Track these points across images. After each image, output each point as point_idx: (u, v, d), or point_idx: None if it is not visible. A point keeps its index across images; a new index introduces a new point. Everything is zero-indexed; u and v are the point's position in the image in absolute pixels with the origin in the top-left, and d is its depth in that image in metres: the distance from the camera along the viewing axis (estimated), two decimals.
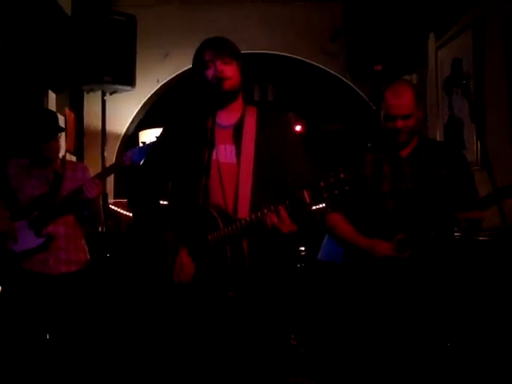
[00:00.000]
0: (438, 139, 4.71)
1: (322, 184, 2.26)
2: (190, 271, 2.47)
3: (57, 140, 3.57)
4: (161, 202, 2.74)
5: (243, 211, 2.49)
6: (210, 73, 2.54)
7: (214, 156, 2.50)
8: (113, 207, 5.07)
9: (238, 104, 2.63)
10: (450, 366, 2.91)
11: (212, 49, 2.55)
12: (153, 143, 2.91)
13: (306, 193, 2.29)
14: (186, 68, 5.61)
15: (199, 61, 2.58)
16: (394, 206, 2.89)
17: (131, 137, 5.88)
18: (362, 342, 2.98)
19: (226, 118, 2.59)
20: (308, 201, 2.29)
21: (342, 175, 2.24)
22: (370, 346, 2.93)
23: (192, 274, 2.47)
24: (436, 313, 2.86)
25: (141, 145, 3.34)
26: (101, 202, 3.65)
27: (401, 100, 2.86)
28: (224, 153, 2.56)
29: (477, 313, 3.27)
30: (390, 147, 2.97)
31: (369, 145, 3.13)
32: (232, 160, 2.56)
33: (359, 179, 2.90)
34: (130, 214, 4.70)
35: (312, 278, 4.46)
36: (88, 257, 3.67)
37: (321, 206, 2.88)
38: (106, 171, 3.70)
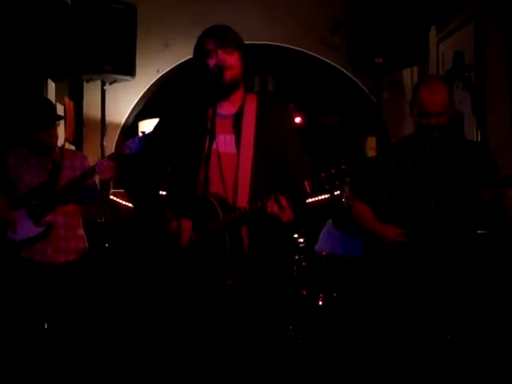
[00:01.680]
0: None
1: (323, 175, 2.27)
2: (187, 236, 2.45)
3: (55, 128, 3.56)
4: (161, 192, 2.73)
5: (242, 200, 2.49)
6: (211, 62, 2.52)
7: (213, 146, 2.50)
8: (112, 197, 5.05)
9: (239, 93, 2.62)
10: (451, 360, 2.92)
11: (214, 38, 2.53)
12: (152, 131, 2.90)
13: (306, 183, 2.30)
14: (186, 58, 5.58)
15: (201, 49, 2.56)
16: (413, 197, 2.91)
17: (131, 127, 5.86)
18: (360, 335, 2.99)
19: (227, 107, 2.58)
20: (309, 191, 2.30)
21: (344, 166, 2.25)
22: (369, 339, 2.94)
23: (188, 241, 2.45)
24: (442, 308, 2.87)
25: (141, 134, 3.32)
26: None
27: (436, 98, 2.87)
28: (224, 143, 2.56)
29: (481, 306, 3.28)
30: (418, 140, 2.99)
31: (371, 138, 3.17)
32: (232, 150, 2.56)
33: (383, 169, 2.95)
34: (129, 205, 4.69)
35: (310, 269, 4.46)
36: (87, 246, 3.66)
37: (321, 197, 2.90)
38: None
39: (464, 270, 2.91)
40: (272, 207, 2.36)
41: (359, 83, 5.77)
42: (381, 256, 2.94)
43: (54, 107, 3.64)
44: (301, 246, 4.76)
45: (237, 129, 2.57)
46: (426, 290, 2.86)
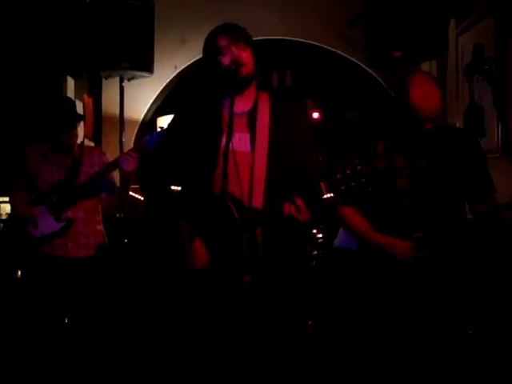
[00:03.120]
0: (458, 126, 4.66)
1: (338, 176, 2.27)
2: (204, 259, 2.48)
3: (76, 128, 3.58)
4: (174, 188, 2.74)
5: (257, 199, 2.49)
6: (226, 59, 2.51)
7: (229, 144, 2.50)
8: (131, 193, 5.08)
9: (252, 91, 2.61)
10: (468, 355, 2.89)
11: (227, 34, 2.53)
12: (166, 129, 2.89)
13: (322, 185, 2.30)
14: None
15: (213, 46, 2.55)
16: (410, 202, 2.79)
17: (149, 123, 5.89)
18: (378, 329, 2.97)
19: (240, 104, 2.56)
20: (325, 193, 2.30)
21: (359, 167, 2.25)
22: (387, 333, 2.91)
23: (206, 261, 2.48)
24: (452, 302, 2.81)
25: (159, 130, 3.32)
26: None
27: (431, 104, 2.76)
28: (239, 141, 2.54)
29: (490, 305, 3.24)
30: (405, 140, 2.87)
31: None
32: (246, 148, 2.55)
33: (372, 173, 2.86)
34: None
35: (329, 264, 4.45)
36: (106, 241, 3.68)
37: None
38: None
39: (470, 272, 2.85)
40: (289, 209, 2.37)
41: (377, 77, 5.74)
42: (385, 256, 2.81)
43: (75, 106, 3.65)
44: (320, 241, 4.76)
45: (251, 127, 2.56)
46: (439, 287, 2.80)
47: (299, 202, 2.36)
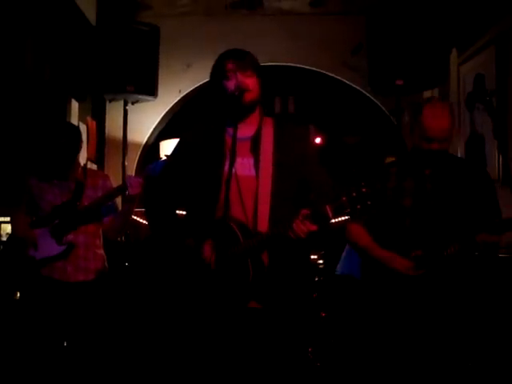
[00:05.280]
0: (459, 155, 4.69)
1: (344, 199, 2.27)
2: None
3: (76, 159, 3.58)
4: (178, 212, 2.74)
5: (263, 224, 2.48)
6: (230, 84, 2.53)
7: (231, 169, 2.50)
8: (133, 216, 5.08)
9: (255, 116, 2.62)
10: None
11: (235, 60, 2.55)
12: (170, 154, 2.91)
13: (328, 208, 2.30)
14: (208, 79, 5.61)
15: (219, 71, 2.57)
16: (412, 222, 2.86)
17: (152, 147, 5.92)
18: (378, 356, 2.96)
19: (244, 130, 2.57)
20: (330, 215, 2.30)
21: (364, 189, 2.25)
22: (387, 360, 2.91)
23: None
24: (454, 330, 2.83)
25: (164, 158, 3.33)
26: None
27: (441, 123, 2.82)
28: (242, 166, 2.55)
29: (494, 330, 3.24)
30: (415, 163, 2.94)
31: (390, 159, 3.12)
32: (250, 173, 2.55)
33: (380, 192, 2.91)
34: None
35: (330, 291, 4.44)
36: (106, 266, 3.68)
37: (342, 218, 2.89)
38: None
39: (470, 295, 2.88)
40: (296, 228, 2.35)
41: (379, 104, 5.78)
42: (388, 280, 2.88)
43: (77, 133, 3.58)
44: (320, 267, 4.75)
45: (255, 151, 2.57)
46: (440, 315, 2.82)
47: (305, 211, 2.35)
